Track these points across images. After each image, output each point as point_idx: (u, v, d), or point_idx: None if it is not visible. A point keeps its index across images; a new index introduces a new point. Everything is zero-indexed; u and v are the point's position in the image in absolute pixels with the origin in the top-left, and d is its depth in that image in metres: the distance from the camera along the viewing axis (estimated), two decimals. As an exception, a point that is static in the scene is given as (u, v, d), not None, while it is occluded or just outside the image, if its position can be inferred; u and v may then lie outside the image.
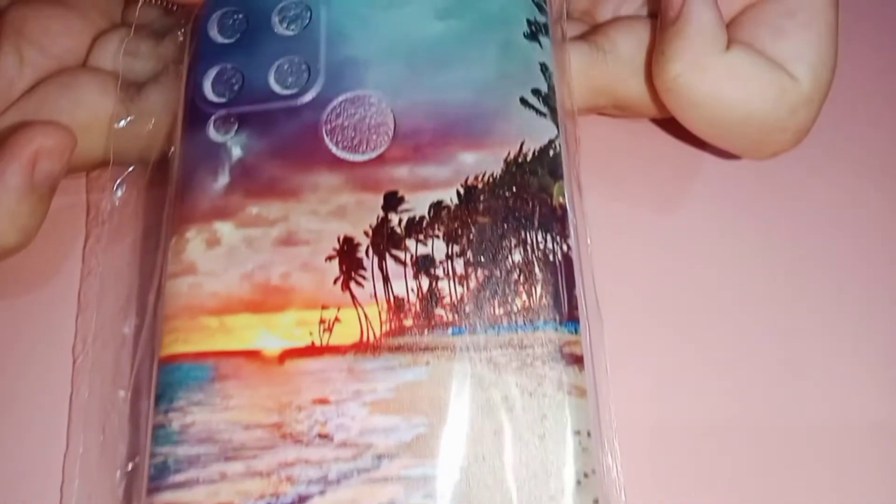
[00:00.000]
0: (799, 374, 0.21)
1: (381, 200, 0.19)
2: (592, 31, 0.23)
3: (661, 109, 0.23)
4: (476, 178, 0.19)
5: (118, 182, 0.21)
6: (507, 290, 0.18)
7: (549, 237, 0.19)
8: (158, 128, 0.22)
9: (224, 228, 0.20)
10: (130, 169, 0.21)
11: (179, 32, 0.23)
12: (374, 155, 0.20)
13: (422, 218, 0.19)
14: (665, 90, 0.21)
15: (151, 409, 0.18)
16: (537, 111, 0.20)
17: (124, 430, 0.19)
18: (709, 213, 0.23)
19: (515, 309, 0.18)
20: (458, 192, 0.19)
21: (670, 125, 0.24)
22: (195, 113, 0.21)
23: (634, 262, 0.22)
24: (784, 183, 0.24)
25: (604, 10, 0.24)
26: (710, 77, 0.20)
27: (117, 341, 0.20)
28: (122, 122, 0.22)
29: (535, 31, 0.21)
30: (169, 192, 0.21)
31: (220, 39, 0.22)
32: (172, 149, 0.22)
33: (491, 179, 0.19)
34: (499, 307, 0.18)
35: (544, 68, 0.20)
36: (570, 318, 0.18)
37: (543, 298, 0.18)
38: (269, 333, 0.18)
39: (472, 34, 0.21)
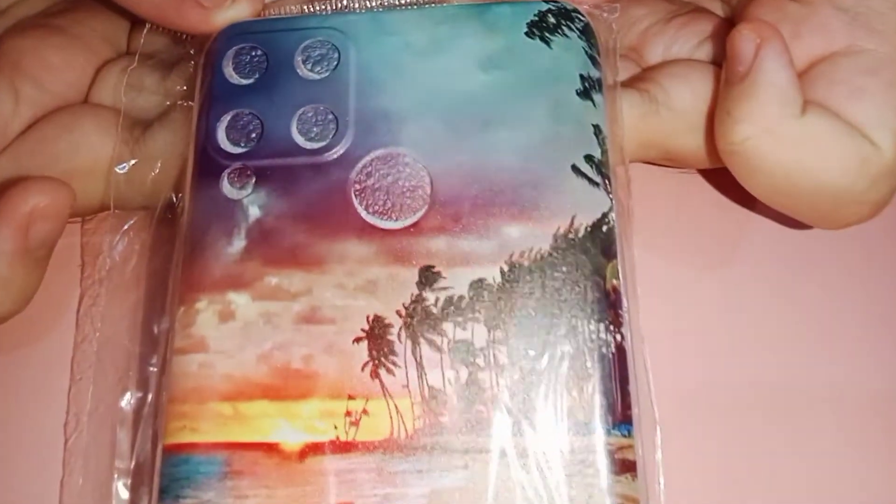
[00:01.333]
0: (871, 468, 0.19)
1: (415, 276, 0.18)
2: (642, 78, 0.21)
3: (714, 162, 0.21)
4: (522, 254, 0.18)
5: (118, 236, 0.19)
6: (555, 386, 0.17)
7: (601, 326, 0.17)
8: (165, 173, 0.20)
9: (239, 300, 0.18)
10: (131, 221, 0.19)
11: (190, 64, 0.22)
12: (408, 222, 0.18)
13: (461, 298, 0.17)
14: (729, 153, 0.19)
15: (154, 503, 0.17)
16: (590, 180, 0.18)
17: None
18: (763, 276, 0.21)
19: (563, 408, 0.16)
20: (501, 270, 0.18)
21: (719, 176, 0.22)
22: (207, 163, 0.19)
23: (687, 343, 0.20)
24: (846, 245, 0.22)
25: (653, 47, 0.22)
26: (783, 144, 0.18)
27: (115, 419, 0.18)
28: (125, 167, 0.20)
29: (588, 88, 0.19)
30: (176, 252, 0.19)
31: (236, 79, 0.20)
32: (180, 197, 0.20)
33: (538, 257, 0.18)
34: (545, 405, 0.17)
35: (598, 131, 0.19)
36: (623, 419, 0.16)
37: (595, 397, 0.16)
38: (289, 425, 0.17)
39: (519, 89, 0.19)
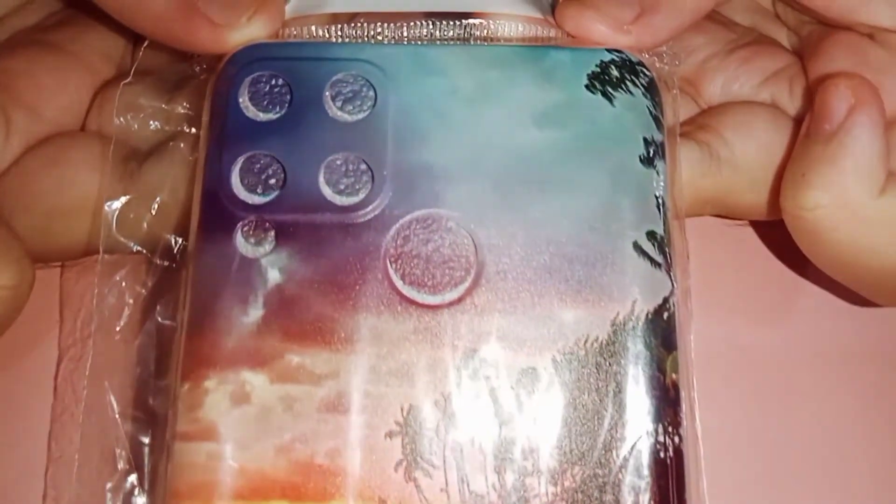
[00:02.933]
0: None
1: (457, 361, 0.16)
2: (701, 125, 0.20)
3: (773, 216, 0.20)
4: (577, 342, 0.16)
5: (107, 287, 0.17)
6: (611, 496, 0.15)
7: (660, 427, 0.16)
8: (164, 212, 0.18)
9: (256, 381, 0.16)
10: (123, 270, 0.17)
11: (197, 83, 0.19)
12: (450, 298, 0.16)
13: (508, 389, 0.16)
14: (795, 217, 0.18)
15: None
16: (652, 260, 0.17)
17: None
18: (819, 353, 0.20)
19: (619, 521, 0.15)
20: (553, 360, 0.16)
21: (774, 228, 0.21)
22: (217, 212, 0.17)
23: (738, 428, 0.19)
24: None
25: (711, 83, 0.21)
26: (856, 221, 0.17)
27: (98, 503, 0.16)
28: (116, 204, 0.18)
29: (652, 155, 0.17)
30: (180, 315, 0.17)
31: (252, 112, 0.17)
32: (182, 243, 0.18)
33: (594, 347, 0.16)
34: (599, 516, 0.15)
35: (661, 203, 0.17)
36: (681, 531, 0.16)
37: (651, 508, 0.15)
38: (312, 530, 0.15)
39: (577, 151, 0.17)
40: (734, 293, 0.21)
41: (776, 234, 0.21)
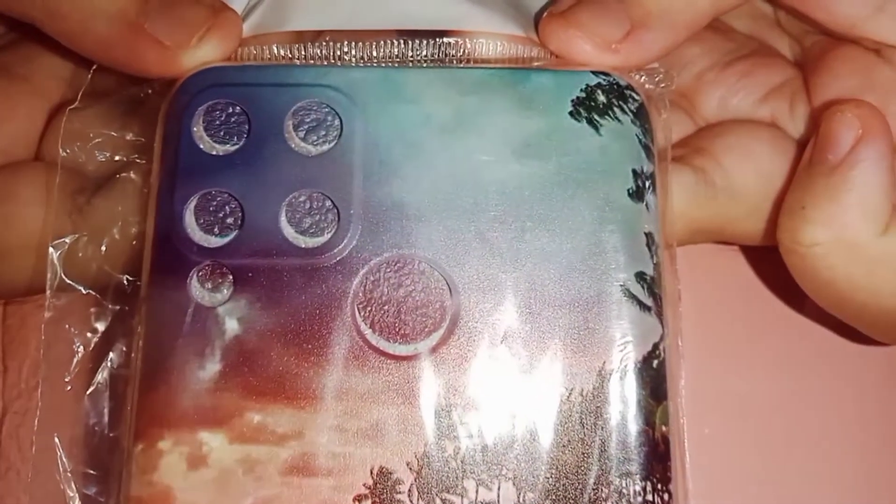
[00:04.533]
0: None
1: (431, 418, 0.15)
2: (697, 150, 0.19)
3: (769, 242, 0.19)
4: (561, 395, 0.15)
5: (54, 332, 0.16)
6: (595, 562, 0.15)
7: (648, 485, 0.15)
8: (115, 249, 0.17)
9: (213, 442, 0.15)
10: (72, 317, 0.16)
11: (148, 105, 0.18)
12: (423, 347, 0.16)
13: (485, 448, 0.15)
14: (792, 252, 0.17)
15: None
16: (641, 304, 0.16)
17: None
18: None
19: (604, 588, 0.15)
20: (534, 415, 0.15)
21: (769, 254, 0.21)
22: (171, 256, 0.16)
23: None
24: None
25: (708, 97, 0.20)
26: (856, 261, 0.17)
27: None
28: (65, 241, 0.17)
29: (641, 188, 0.16)
30: (133, 367, 0.16)
31: (207, 145, 0.16)
32: (133, 282, 0.17)
33: (579, 400, 0.16)
34: (583, 584, 0.15)
35: (651, 241, 0.16)
36: None
37: (640, 574, 0.15)
38: None
39: (560, 185, 0.16)
40: (725, 326, 0.21)
41: (770, 261, 0.21)
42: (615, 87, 0.17)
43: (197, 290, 0.16)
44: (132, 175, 0.17)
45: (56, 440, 0.16)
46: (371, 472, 0.15)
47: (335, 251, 0.16)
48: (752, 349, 0.20)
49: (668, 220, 0.17)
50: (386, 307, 0.16)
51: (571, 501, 0.15)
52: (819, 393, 0.20)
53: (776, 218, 0.18)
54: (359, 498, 0.15)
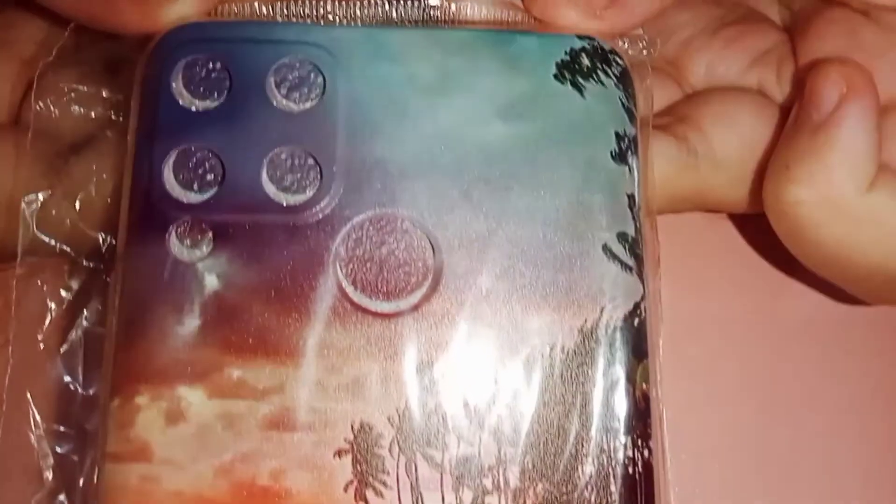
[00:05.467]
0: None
1: (413, 373, 0.15)
2: (680, 119, 0.19)
3: (754, 209, 0.19)
4: (542, 352, 0.16)
5: (26, 289, 0.16)
6: (575, 516, 0.15)
7: (628, 440, 0.16)
8: (90, 208, 0.17)
9: (192, 397, 0.15)
10: (45, 274, 0.16)
11: (126, 62, 0.18)
12: (405, 305, 0.16)
13: (466, 404, 0.15)
14: (777, 211, 0.18)
15: None
16: (622, 264, 0.16)
17: None
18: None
19: (584, 542, 0.15)
20: (516, 371, 0.15)
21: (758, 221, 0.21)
22: (149, 212, 0.16)
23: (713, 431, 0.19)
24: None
25: (695, 64, 0.20)
26: (841, 218, 0.17)
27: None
28: (38, 197, 0.17)
29: (624, 150, 0.17)
30: (109, 323, 0.16)
31: (187, 101, 0.16)
32: (110, 242, 0.17)
33: (561, 357, 0.16)
34: (563, 537, 0.15)
35: (632, 202, 0.17)
36: (647, 550, 0.15)
37: (619, 528, 0.15)
38: (255, 558, 0.15)
39: (544, 146, 0.16)
40: (712, 290, 0.21)
41: (757, 227, 0.21)
42: (599, 51, 0.17)
43: (176, 246, 0.16)
44: (108, 134, 0.17)
45: (28, 396, 0.16)
46: (352, 427, 0.15)
47: (317, 208, 0.16)
48: (740, 319, 0.21)
49: (649, 187, 0.18)
50: (368, 265, 0.16)
51: (552, 456, 0.15)
52: (807, 360, 0.20)
53: (759, 186, 0.18)
54: (339, 452, 0.15)
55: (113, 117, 0.17)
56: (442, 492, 0.15)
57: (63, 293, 0.16)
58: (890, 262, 0.17)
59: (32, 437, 0.16)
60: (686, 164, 0.19)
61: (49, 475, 0.15)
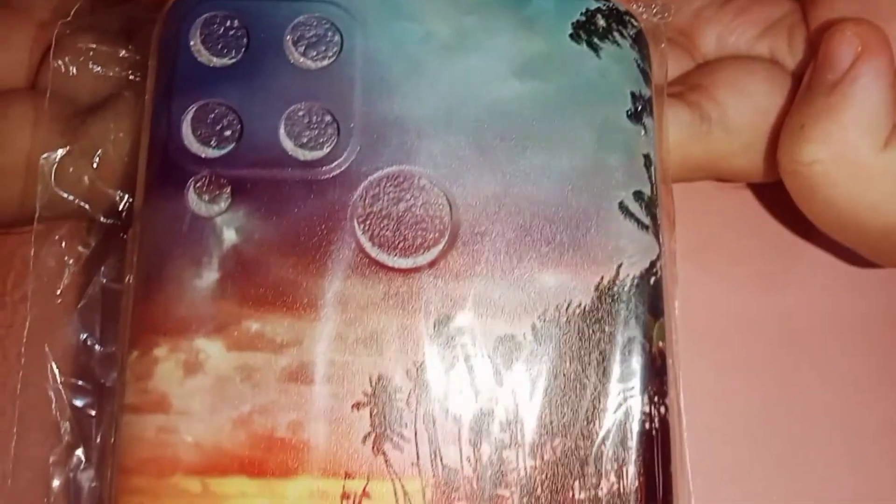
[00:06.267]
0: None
1: (430, 328, 0.16)
2: (693, 87, 0.19)
3: (768, 178, 0.19)
4: (558, 308, 0.16)
5: (45, 246, 0.16)
6: (593, 469, 0.15)
7: (645, 397, 0.16)
8: (108, 166, 0.17)
9: (210, 349, 0.15)
10: (63, 230, 0.16)
11: (144, 22, 0.18)
12: (422, 261, 0.16)
13: (485, 358, 0.16)
14: (791, 172, 0.18)
15: None
16: (639, 222, 0.16)
17: None
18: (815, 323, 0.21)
19: (601, 495, 0.15)
20: (533, 327, 0.16)
21: (772, 190, 0.21)
22: (167, 167, 0.16)
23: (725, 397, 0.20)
24: None
25: (706, 35, 0.20)
26: (856, 176, 0.17)
27: (43, 484, 0.15)
28: (56, 155, 0.17)
29: (639, 110, 0.17)
30: (127, 278, 0.16)
31: (205, 58, 0.17)
32: (128, 200, 0.17)
33: (577, 313, 0.16)
34: (579, 491, 0.15)
35: (648, 162, 0.17)
36: (664, 505, 0.16)
37: (636, 481, 0.15)
38: (273, 508, 0.15)
39: (560, 105, 0.17)
40: (729, 259, 0.21)
41: (773, 196, 0.21)
42: (614, 12, 0.17)
43: (194, 200, 0.16)
44: (126, 94, 0.18)
45: (47, 351, 0.16)
46: (370, 380, 0.15)
47: (334, 165, 0.16)
48: (755, 281, 0.21)
49: (664, 154, 0.18)
50: (385, 221, 0.16)
51: (569, 412, 0.15)
52: (823, 318, 0.21)
53: (772, 153, 0.19)
54: (357, 405, 0.15)
55: (131, 77, 0.18)
56: (460, 445, 0.15)
57: (81, 249, 0.17)
58: None
59: (51, 392, 0.16)
60: (699, 131, 0.19)
61: (67, 429, 0.16)
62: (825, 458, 0.20)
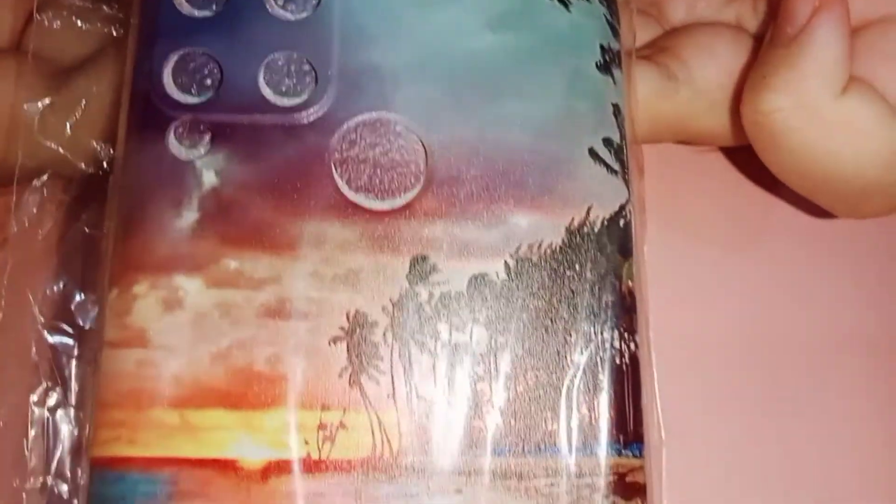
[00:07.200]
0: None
1: (406, 267, 0.16)
2: (660, 48, 0.20)
3: (736, 141, 0.20)
4: (530, 248, 0.17)
5: (26, 194, 0.17)
6: (564, 401, 0.16)
7: (615, 333, 0.16)
8: (90, 116, 0.18)
9: (190, 286, 0.16)
10: (44, 177, 0.17)
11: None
12: (398, 203, 0.17)
13: (459, 295, 0.16)
14: (754, 123, 0.19)
15: (78, 531, 0.15)
16: (608, 167, 0.17)
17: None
18: (781, 276, 0.21)
19: (573, 426, 0.16)
20: (506, 265, 0.16)
21: (741, 155, 0.22)
22: (148, 113, 0.17)
23: (696, 345, 0.20)
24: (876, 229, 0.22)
25: (675, 4, 0.21)
26: (814, 123, 0.18)
27: (23, 423, 0.16)
28: (39, 105, 0.18)
29: (608, 62, 0.18)
30: (108, 220, 0.16)
31: (186, 8, 0.17)
32: (110, 151, 0.18)
33: (548, 252, 0.17)
34: (552, 422, 0.16)
35: (617, 111, 0.18)
36: (635, 438, 0.16)
37: (607, 414, 0.16)
38: (250, 439, 0.15)
39: (532, 55, 0.17)
40: (699, 219, 0.22)
41: (742, 160, 0.22)
42: (584, -32, 0.18)
43: (174, 144, 0.16)
44: (109, 50, 0.18)
45: (28, 296, 0.16)
46: (347, 316, 0.16)
47: (312, 110, 0.17)
48: (724, 245, 0.22)
49: (633, 114, 0.19)
50: (362, 165, 0.17)
51: (542, 345, 0.16)
52: (791, 279, 0.21)
53: (738, 112, 0.20)
54: (334, 340, 0.16)
55: (114, 34, 0.18)
56: (435, 378, 0.16)
57: (62, 197, 0.17)
58: (862, 167, 0.18)
59: (31, 335, 0.16)
60: (666, 90, 0.20)
61: (46, 371, 0.16)
62: (792, 391, 0.20)
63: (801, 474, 0.20)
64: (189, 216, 0.16)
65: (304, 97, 0.17)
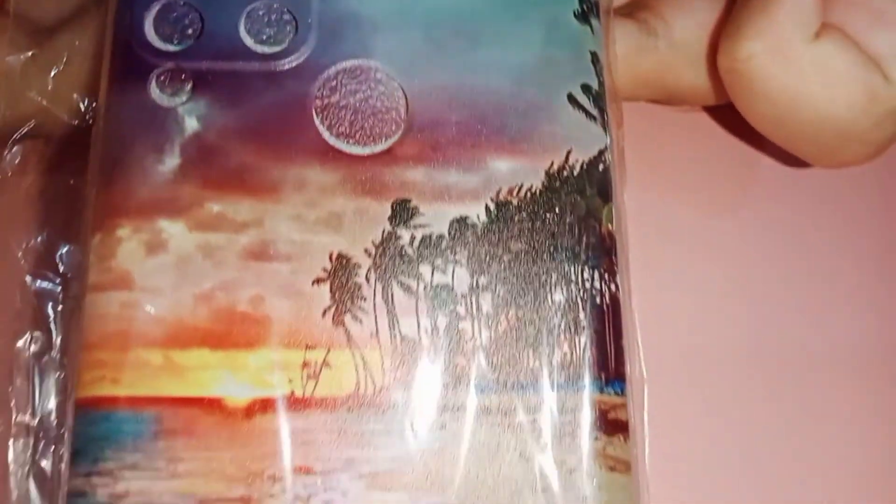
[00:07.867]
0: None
1: (388, 210, 0.17)
2: (641, 7, 0.21)
3: (716, 98, 0.21)
4: (510, 191, 0.17)
5: (9, 146, 0.17)
6: (546, 339, 0.16)
7: (596, 273, 0.17)
8: (72, 69, 0.18)
9: (172, 230, 0.16)
10: (26, 128, 0.17)
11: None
12: (379, 148, 0.17)
13: (440, 237, 0.17)
14: (730, 70, 0.19)
15: (66, 467, 0.15)
16: (587, 112, 0.18)
17: (24, 492, 0.15)
18: (766, 225, 0.22)
19: (554, 363, 0.16)
20: (486, 208, 0.17)
21: (724, 114, 0.23)
22: (131, 61, 0.17)
23: (676, 294, 0.21)
24: (857, 184, 0.23)
25: None
26: (789, 67, 0.19)
27: (10, 365, 0.16)
28: (21, 57, 0.18)
29: (586, 11, 0.18)
30: (91, 168, 0.17)
31: (167, -39, 0.18)
32: (93, 103, 0.18)
33: (528, 195, 0.17)
34: (534, 359, 0.16)
35: (595, 59, 0.18)
36: (617, 376, 0.16)
37: (588, 351, 0.16)
38: (234, 378, 0.15)
39: (510, 3, 0.18)
40: (674, 179, 0.23)
41: (726, 119, 0.23)
42: (561, -81, 0.19)
43: (156, 92, 0.17)
44: (91, 9, 0.18)
45: (12, 245, 0.16)
46: (329, 258, 0.16)
47: (292, 57, 0.17)
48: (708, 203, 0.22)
49: (612, 72, 0.19)
50: (343, 111, 0.17)
51: (522, 282, 0.16)
52: (773, 239, 0.22)
53: (716, 69, 0.20)
54: (318, 280, 0.16)
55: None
56: (417, 317, 0.16)
57: (45, 148, 0.17)
58: (837, 111, 0.19)
59: (15, 283, 0.16)
60: (646, 45, 0.20)
61: (31, 316, 0.16)
62: (776, 340, 0.21)
63: (785, 413, 0.20)
64: (171, 161, 0.16)
65: (285, 45, 0.17)
